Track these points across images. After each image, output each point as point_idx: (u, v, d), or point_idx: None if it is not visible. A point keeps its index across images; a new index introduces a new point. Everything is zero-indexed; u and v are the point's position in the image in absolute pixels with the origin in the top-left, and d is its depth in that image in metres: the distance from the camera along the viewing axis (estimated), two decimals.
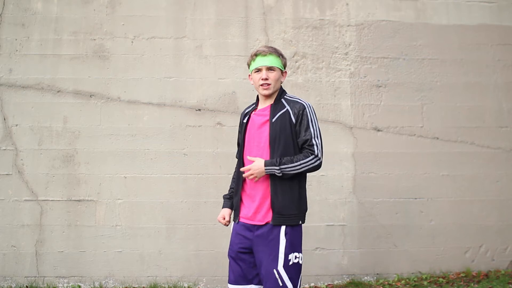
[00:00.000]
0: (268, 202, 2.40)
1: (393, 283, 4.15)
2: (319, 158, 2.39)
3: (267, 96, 2.52)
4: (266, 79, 2.46)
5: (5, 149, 4.17)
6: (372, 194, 4.36)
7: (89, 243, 4.13)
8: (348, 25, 4.52)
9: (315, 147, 2.39)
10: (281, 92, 2.54)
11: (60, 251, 4.12)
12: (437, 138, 4.47)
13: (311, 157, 2.37)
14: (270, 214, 2.38)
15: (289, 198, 2.38)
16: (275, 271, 2.32)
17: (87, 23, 4.35)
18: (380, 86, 4.48)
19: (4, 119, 4.20)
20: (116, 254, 4.15)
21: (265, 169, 2.37)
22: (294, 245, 2.37)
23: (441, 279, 4.19)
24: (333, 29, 4.51)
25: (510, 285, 3.99)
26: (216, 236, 4.15)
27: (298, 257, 2.38)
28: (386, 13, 4.56)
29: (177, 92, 4.32)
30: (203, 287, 4.16)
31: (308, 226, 4.26)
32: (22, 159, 4.17)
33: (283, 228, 2.36)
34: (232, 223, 2.58)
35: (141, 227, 4.17)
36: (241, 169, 2.46)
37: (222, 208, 2.64)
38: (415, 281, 4.17)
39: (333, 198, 4.32)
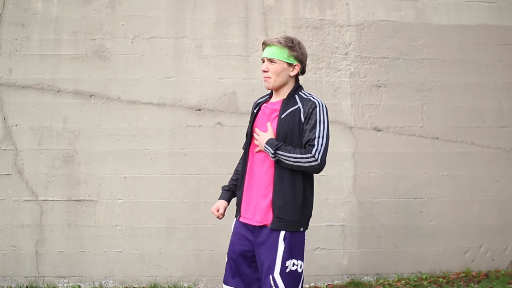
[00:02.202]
0: (268, 201, 2.25)
1: (393, 283, 4.15)
2: (316, 160, 2.18)
3: (277, 91, 2.37)
4: (265, 71, 2.33)
5: (5, 149, 4.17)
6: (372, 194, 4.36)
7: (89, 243, 4.13)
8: (348, 25, 4.52)
9: (315, 147, 2.20)
10: (296, 88, 2.36)
11: (60, 251, 4.12)
12: (437, 138, 4.47)
13: (308, 155, 2.19)
14: (270, 215, 2.24)
15: (292, 201, 2.22)
16: (270, 277, 2.19)
17: (87, 23, 4.34)
18: (380, 86, 4.48)
19: (4, 119, 4.20)
20: (116, 254, 4.15)
21: (264, 146, 2.26)
22: (294, 251, 2.22)
23: (441, 279, 4.19)
24: (333, 29, 4.51)
25: (510, 285, 3.99)
26: (216, 236, 4.15)
27: (297, 265, 2.22)
28: (386, 13, 4.56)
29: (177, 92, 4.32)
30: (203, 287, 4.16)
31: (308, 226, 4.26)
32: (22, 159, 4.17)
33: (282, 233, 2.21)
34: (233, 219, 2.47)
35: (141, 227, 4.17)
36: (255, 129, 2.34)
37: (219, 199, 2.50)
38: (415, 281, 4.17)
39: (333, 198, 4.32)
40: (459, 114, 4.52)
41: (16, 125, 4.20)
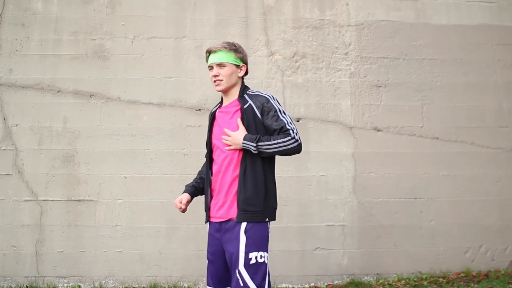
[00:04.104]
0: (232, 195, 2.34)
1: (393, 283, 4.15)
2: (297, 140, 2.33)
3: (227, 93, 2.49)
4: (217, 75, 2.44)
5: (5, 149, 4.17)
6: (372, 194, 4.36)
7: (89, 243, 4.13)
8: (348, 25, 4.52)
9: (290, 130, 2.33)
10: (244, 88, 2.50)
11: (60, 251, 4.12)
12: (437, 138, 4.47)
13: (289, 138, 2.31)
14: (234, 209, 2.32)
15: (255, 193, 2.30)
16: (237, 270, 2.25)
17: (87, 23, 4.35)
18: (380, 86, 4.48)
19: (4, 119, 4.20)
20: (116, 254, 4.15)
21: (243, 143, 2.32)
22: (258, 243, 2.28)
23: (441, 279, 4.19)
24: (333, 29, 4.51)
25: (510, 285, 3.99)
26: None
27: (264, 257, 2.29)
28: (386, 13, 4.56)
29: (177, 92, 4.32)
30: (203, 287, 4.16)
31: (308, 226, 4.27)
32: (22, 159, 4.17)
33: (243, 225, 2.28)
34: (204, 220, 2.51)
35: (141, 227, 4.17)
36: (224, 129, 2.39)
37: (182, 193, 2.56)
38: (415, 281, 4.17)
39: (333, 198, 4.32)
40: (459, 114, 4.52)
41: (16, 125, 4.20)
